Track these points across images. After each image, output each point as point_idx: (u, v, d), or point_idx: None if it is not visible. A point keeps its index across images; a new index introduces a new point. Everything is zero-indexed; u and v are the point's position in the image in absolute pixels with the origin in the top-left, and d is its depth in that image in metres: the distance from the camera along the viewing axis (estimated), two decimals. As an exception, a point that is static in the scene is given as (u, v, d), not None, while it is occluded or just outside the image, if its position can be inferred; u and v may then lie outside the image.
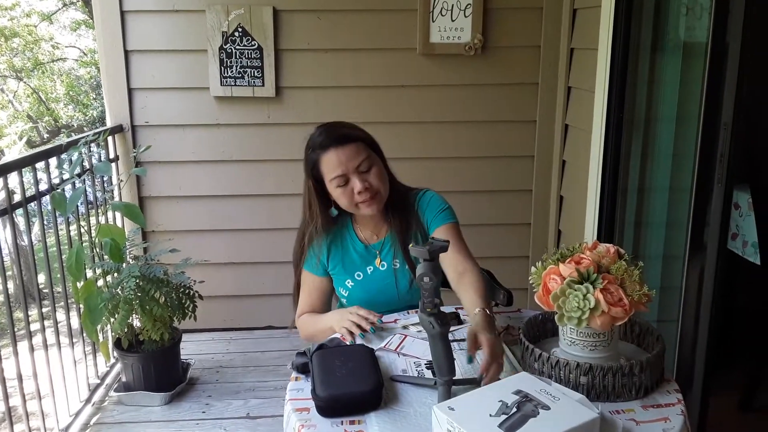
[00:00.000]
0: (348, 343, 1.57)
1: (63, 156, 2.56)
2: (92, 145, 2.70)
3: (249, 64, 3.12)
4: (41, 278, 5.90)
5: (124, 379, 2.77)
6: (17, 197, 2.35)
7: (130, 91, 3.16)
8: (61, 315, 2.67)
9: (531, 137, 3.31)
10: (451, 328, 1.54)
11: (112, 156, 3.14)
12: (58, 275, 2.66)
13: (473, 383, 1.32)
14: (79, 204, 2.60)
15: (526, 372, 1.32)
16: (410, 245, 1.37)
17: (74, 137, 2.71)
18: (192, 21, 3.10)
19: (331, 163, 1.72)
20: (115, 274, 2.61)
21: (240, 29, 3.08)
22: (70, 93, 11.88)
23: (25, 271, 6.12)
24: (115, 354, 2.84)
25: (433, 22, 3.11)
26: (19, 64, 11.53)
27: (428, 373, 1.41)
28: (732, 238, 2.61)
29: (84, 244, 2.66)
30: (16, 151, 9.42)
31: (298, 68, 3.17)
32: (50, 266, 2.66)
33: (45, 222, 2.62)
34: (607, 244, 1.38)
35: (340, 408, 1.27)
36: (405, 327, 1.67)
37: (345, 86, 3.20)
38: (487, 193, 3.36)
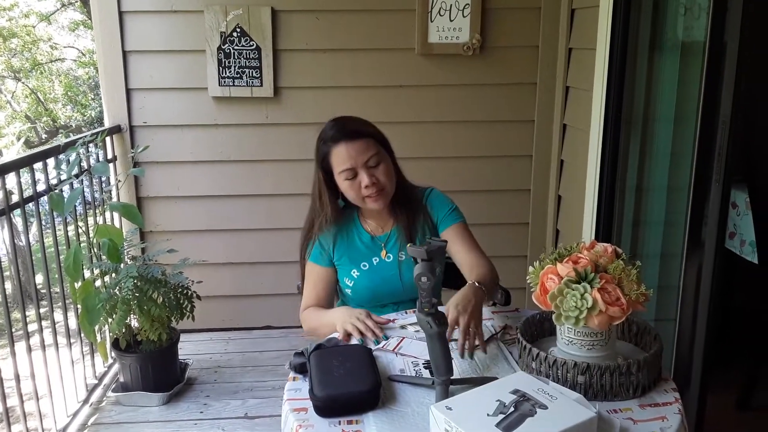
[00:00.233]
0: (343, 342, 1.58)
1: (61, 156, 2.56)
2: (90, 145, 2.70)
3: (247, 64, 3.11)
4: (39, 278, 5.89)
5: (122, 380, 2.77)
6: (15, 198, 2.35)
7: (128, 91, 3.16)
8: (58, 315, 2.67)
9: (529, 137, 3.31)
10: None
11: (110, 156, 3.14)
12: (56, 275, 2.66)
13: (471, 383, 1.32)
14: (77, 204, 2.59)
15: (524, 371, 1.32)
16: (408, 245, 1.38)
17: (72, 138, 2.71)
18: (190, 21, 3.10)
19: (341, 157, 1.75)
20: (113, 275, 2.61)
21: (238, 29, 3.08)
22: (69, 93, 11.87)
23: (23, 272, 6.11)
24: (113, 354, 2.84)
25: (432, 22, 3.11)
26: (18, 64, 11.52)
27: (426, 373, 1.42)
28: (730, 237, 2.61)
29: (82, 245, 2.66)
30: (14, 152, 9.41)
31: (296, 68, 3.17)
32: (48, 267, 2.66)
33: (43, 222, 2.61)
34: (605, 244, 1.38)
35: (338, 408, 1.27)
36: (403, 327, 1.67)
37: (343, 86, 3.20)
38: (486, 192, 3.36)
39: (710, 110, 1.98)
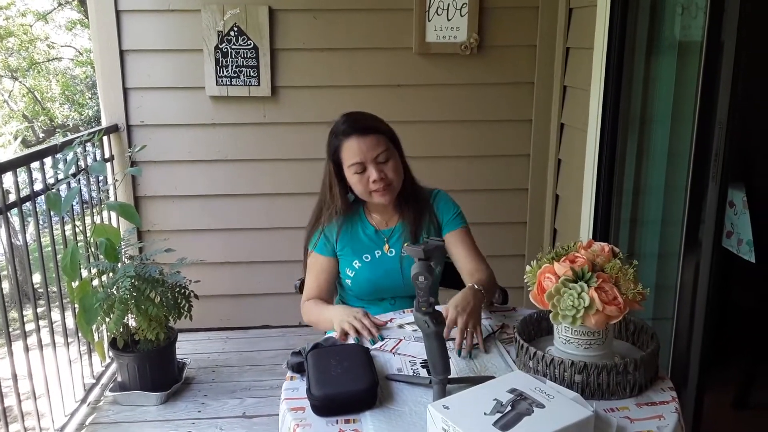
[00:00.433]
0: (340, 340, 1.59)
1: (58, 156, 2.56)
2: (87, 144, 2.70)
3: (245, 63, 3.11)
4: (36, 278, 5.88)
5: (119, 379, 2.76)
6: (12, 197, 2.34)
7: (125, 90, 3.16)
8: (56, 315, 2.66)
9: (527, 136, 3.31)
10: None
11: (107, 156, 3.13)
12: (54, 275, 2.65)
13: (468, 382, 1.32)
14: (74, 204, 2.59)
15: (521, 370, 1.32)
16: (405, 245, 1.38)
17: (69, 137, 2.71)
18: (187, 20, 3.10)
19: (352, 150, 1.79)
20: (111, 274, 2.60)
21: (236, 29, 3.08)
22: (66, 92, 11.84)
23: (21, 271, 6.10)
24: (111, 354, 2.83)
25: (429, 21, 3.11)
26: (15, 63, 11.49)
27: (423, 372, 1.42)
28: (727, 236, 2.61)
29: (79, 244, 2.65)
30: (11, 151, 9.40)
31: (293, 68, 3.17)
32: (45, 266, 2.66)
33: (40, 222, 2.61)
34: (602, 243, 1.38)
35: (336, 407, 1.27)
36: (400, 326, 1.67)
37: (341, 86, 3.19)
38: (483, 191, 3.36)
39: (707, 109, 1.99)
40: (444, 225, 1.93)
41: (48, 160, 2.55)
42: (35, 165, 2.49)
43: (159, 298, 2.58)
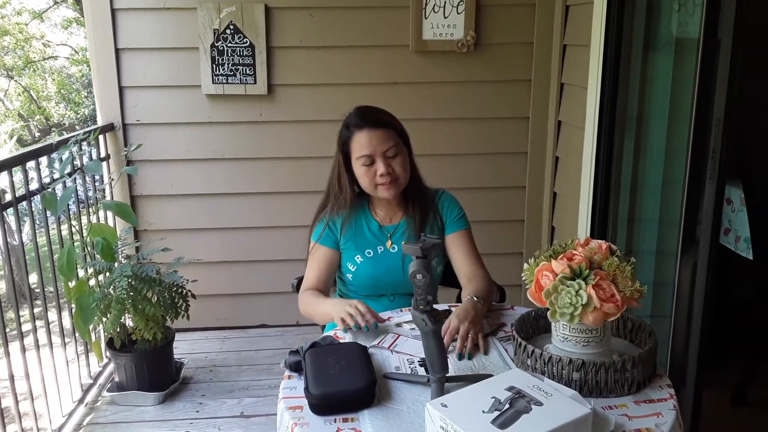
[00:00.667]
0: (341, 331, 1.60)
1: (53, 155, 2.55)
2: (83, 143, 2.69)
3: (241, 61, 3.10)
4: (33, 278, 5.87)
5: (117, 379, 2.76)
6: (8, 197, 2.33)
7: (121, 89, 3.15)
8: (53, 315, 2.66)
9: (524, 134, 3.31)
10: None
11: (103, 155, 3.12)
12: (50, 275, 2.64)
13: (466, 380, 1.32)
14: (70, 203, 2.58)
15: (519, 368, 1.32)
16: (403, 243, 1.38)
17: (65, 136, 2.70)
18: (183, 19, 3.09)
19: (361, 143, 1.80)
20: (107, 274, 2.60)
21: (232, 27, 3.07)
22: (62, 91, 11.81)
23: (17, 271, 6.08)
24: (108, 354, 2.83)
25: (426, 18, 3.11)
26: (10, 62, 11.45)
27: (421, 370, 1.41)
28: (725, 233, 2.62)
29: (75, 244, 2.65)
30: (6, 151, 9.36)
31: (290, 66, 3.16)
32: (42, 266, 2.65)
33: (36, 221, 2.60)
34: (599, 241, 1.38)
35: (334, 406, 1.27)
36: (398, 325, 1.67)
37: (337, 84, 3.19)
38: (481, 189, 3.36)
39: (704, 107, 1.98)
40: (447, 225, 1.94)
41: (44, 160, 2.54)
42: (31, 164, 2.48)
43: (156, 298, 2.57)
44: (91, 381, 2.90)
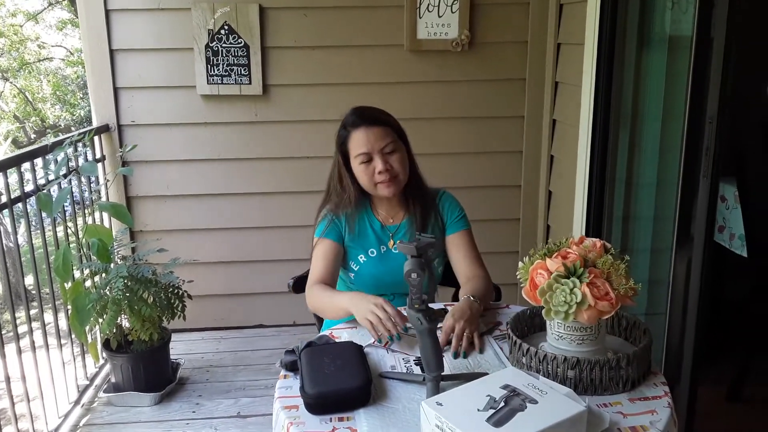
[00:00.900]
0: (374, 341, 1.53)
1: (48, 156, 2.55)
2: (78, 145, 2.68)
3: (236, 62, 3.10)
4: (29, 280, 5.86)
5: (113, 380, 2.75)
6: (3, 198, 2.33)
7: (116, 90, 3.14)
8: (49, 316, 2.65)
9: (519, 133, 3.32)
10: (439, 324, 1.54)
11: (98, 156, 3.12)
12: (46, 276, 2.64)
13: (462, 378, 1.32)
14: (65, 204, 2.58)
15: (514, 366, 1.32)
16: (398, 242, 1.38)
17: (60, 137, 2.70)
18: (177, 19, 3.08)
19: (359, 141, 1.81)
20: (103, 275, 2.59)
21: (226, 27, 3.07)
22: (57, 93, 11.78)
23: (13, 273, 6.06)
24: (104, 355, 2.82)
25: (420, 18, 3.11)
26: (5, 64, 11.43)
27: (417, 369, 1.42)
28: (719, 230, 2.62)
29: (71, 245, 2.64)
30: (1, 152, 9.34)
31: (285, 66, 3.16)
32: (38, 267, 2.65)
33: (32, 223, 2.60)
34: (594, 239, 1.38)
35: (329, 405, 1.27)
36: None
37: (332, 83, 3.19)
38: (476, 188, 3.36)
39: (698, 105, 1.99)
40: (448, 226, 1.93)
41: (39, 161, 2.54)
42: (26, 166, 2.48)
43: (152, 299, 2.57)
44: (88, 382, 2.90)
